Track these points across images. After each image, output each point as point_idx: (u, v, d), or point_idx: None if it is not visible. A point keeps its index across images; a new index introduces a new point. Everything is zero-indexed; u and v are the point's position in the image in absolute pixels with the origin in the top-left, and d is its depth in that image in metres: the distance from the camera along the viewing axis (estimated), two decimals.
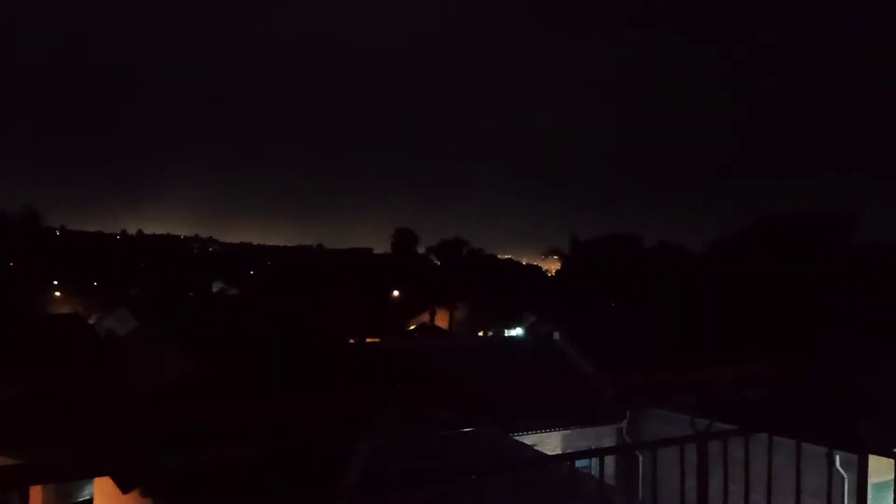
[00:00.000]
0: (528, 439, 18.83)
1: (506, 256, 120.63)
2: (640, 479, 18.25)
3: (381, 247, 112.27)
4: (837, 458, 3.10)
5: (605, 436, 21.53)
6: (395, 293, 70.06)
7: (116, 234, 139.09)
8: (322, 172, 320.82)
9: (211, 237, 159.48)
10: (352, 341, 37.13)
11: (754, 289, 42.68)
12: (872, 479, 3.16)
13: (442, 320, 60.45)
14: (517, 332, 50.05)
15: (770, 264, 47.92)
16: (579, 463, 2.95)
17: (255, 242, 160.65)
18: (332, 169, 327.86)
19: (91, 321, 42.42)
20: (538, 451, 16.80)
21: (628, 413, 21.69)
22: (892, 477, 2.93)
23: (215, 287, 78.75)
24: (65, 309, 54.48)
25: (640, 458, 17.62)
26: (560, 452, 20.07)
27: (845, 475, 9.01)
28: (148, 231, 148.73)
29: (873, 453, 3.12)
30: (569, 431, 21.03)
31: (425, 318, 60.33)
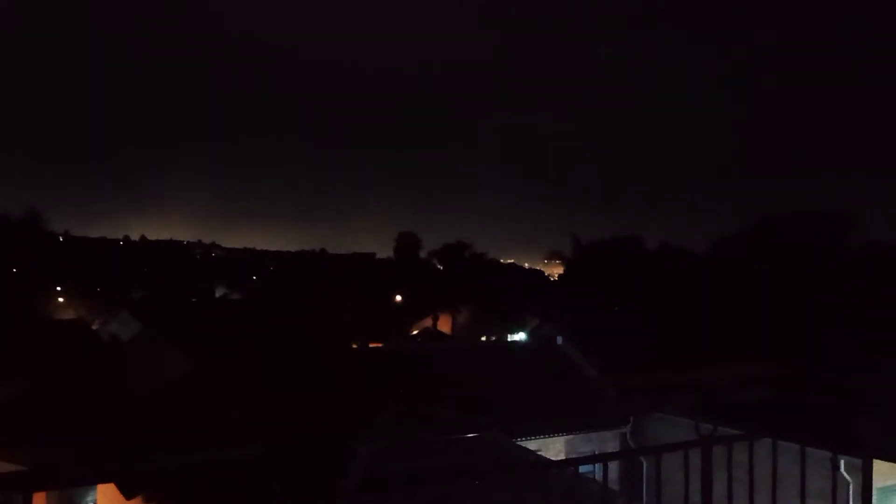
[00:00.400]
0: (531, 444, 18.79)
1: (508, 261, 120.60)
2: (644, 484, 18.18)
3: (384, 251, 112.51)
4: (842, 462, 3.08)
5: (608, 440, 21.48)
6: (398, 298, 70.05)
7: (119, 240, 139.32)
8: (324, 176, 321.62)
9: (214, 242, 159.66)
10: (354, 346, 37.12)
11: (755, 289, 42.62)
12: (877, 484, 3.15)
13: (445, 325, 60.39)
14: (520, 336, 50.00)
15: (770, 265, 47.87)
16: (583, 468, 2.93)
17: (257, 247, 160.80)
18: (334, 172, 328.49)
19: (94, 326, 42.49)
20: (541, 455, 16.77)
21: (632, 418, 21.64)
22: None
23: (218, 292, 78.85)
24: (68, 314, 54.65)
25: (644, 462, 17.56)
26: (563, 457, 20.04)
27: (850, 479, 8.99)
28: (151, 236, 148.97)
29: (878, 458, 3.10)
30: (572, 436, 20.98)
31: (428, 322, 60.27)
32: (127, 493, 13.23)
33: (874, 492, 3.31)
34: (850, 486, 11.14)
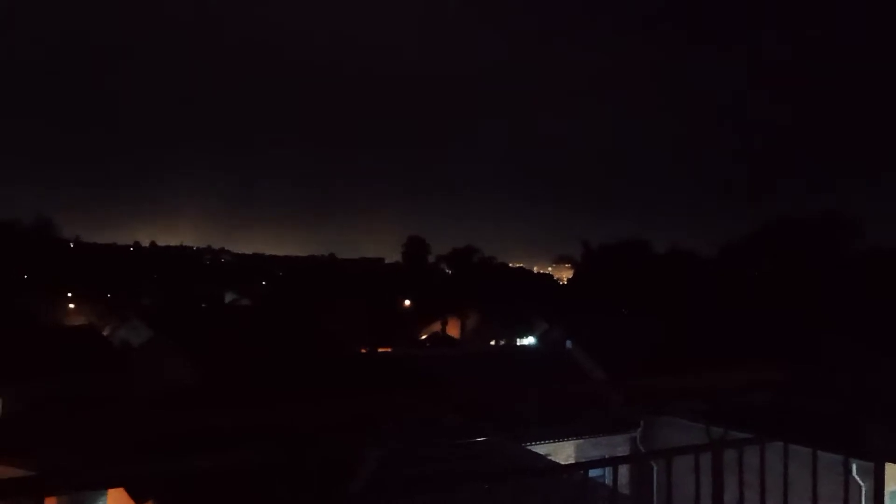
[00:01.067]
0: (540, 449, 18.74)
1: (517, 265, 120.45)
2: (655, 488, 18.10)
3: (393, 256, 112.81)
4: (854, 465, 3.05)
5: (618, 444, 21.39)
6: (407, 302, 70.07)
7: (130, 246, 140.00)
8: (333, 181, 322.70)
9: (223, 248, 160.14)
10: (363, 351, 37.17)
11: (763, 293, 42.58)
12: (889, 487, 3.12)
13: (453, 329, 60.36)
14: (530, 340, 49.94)
15: (777, 268, 47.88)
16: (593, 472, 2.93)
17: (266, 253, 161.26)
18: (343, 177, 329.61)
19: (105, 332, 42.71)
20: (551, 460, 16.72)
21: (642, 421, 21.56)
22: None
23: (227, 298, 79.01)
24: (79, 320, 54.89)
25: (654, 466, 17.49)
26: (573, 461, 19.97)
27: (862, 483, 8.92)
28: (161, 243, 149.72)
29: (890, 461, 3.07)
30: (581, 440, 20.90)
31: (437, 327, 60.28)
32: (137, 497, 13.28)
33: (886, 495, 3.28)
34: (862, 490, 11.05)
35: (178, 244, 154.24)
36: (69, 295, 67.06)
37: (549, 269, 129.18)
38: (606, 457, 20.44)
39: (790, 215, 55.02)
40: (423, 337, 56.87)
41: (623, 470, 18.51)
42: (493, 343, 53.19)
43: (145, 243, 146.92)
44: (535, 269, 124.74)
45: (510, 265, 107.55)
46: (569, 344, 27.96)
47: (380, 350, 38.91)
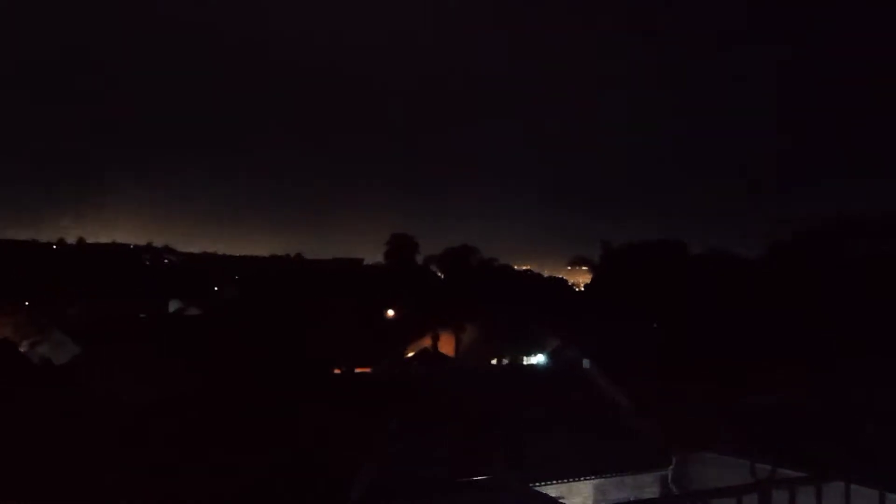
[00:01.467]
0: (552, 490, 18.75)
1: (524, 267, 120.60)
2: None
3: (373, 256, 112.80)
4: None
5: (646, 485, 21.42)
6: (390, 312, 69.96)
7: (52, 243, 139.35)
8: (300, 173, 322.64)
9: (167, 246, 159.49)
10: (337, 371, 37.10)
11: (809, 297, 43.49)
12: None
13: (447, 345, 60.28)
14: (539, 358, 49.99)
15: (824, 269, 49.00)
16: None
17: (220, 252, 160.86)
18: (313, 168, 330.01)
19: (22, 348, 42.49)
20: (564, 503, 16.76)
21: (674, 458, 21.60)
22: None
23: (172, 306, 78.70)
24: None
25: None
26: None
27: None
28: (90, 240, 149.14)
29: None
30: (602, 479, 20.91)
31: (427, 342, 60.16)
32: None
33: None
34: None
35: (110, 241, 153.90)
36: None
37: (564, 272, 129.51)
38: (632, 500, 20.43)
39: (840, 215, 56.45)
40: (410, 354, 56.78)
41: None
42: (494, 361, 53.21)
43: (71, 240, 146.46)
44: (546, 273, 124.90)
45: (515, 268, 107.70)
46: (586, 363, 28.01)
47: (357, 370, 38.83)
